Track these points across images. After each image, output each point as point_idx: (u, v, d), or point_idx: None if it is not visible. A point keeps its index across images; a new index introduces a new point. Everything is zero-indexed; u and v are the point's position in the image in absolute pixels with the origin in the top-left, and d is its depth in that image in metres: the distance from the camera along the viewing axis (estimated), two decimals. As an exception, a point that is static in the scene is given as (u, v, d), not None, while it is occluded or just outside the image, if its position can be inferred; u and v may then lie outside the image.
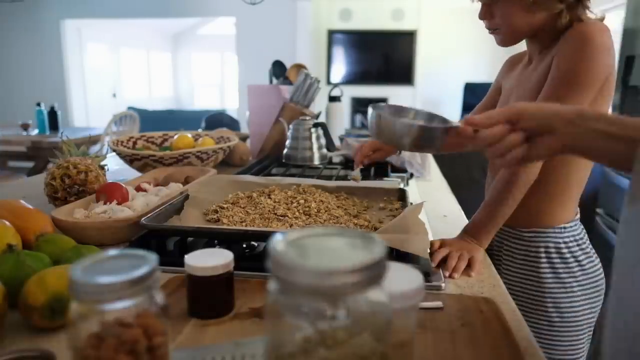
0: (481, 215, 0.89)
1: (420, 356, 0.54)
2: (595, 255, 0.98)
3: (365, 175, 1.38)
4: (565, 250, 0.94)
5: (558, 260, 0.94)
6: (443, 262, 0.81)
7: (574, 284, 0.93)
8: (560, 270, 0.94)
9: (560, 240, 0.94)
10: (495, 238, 1.04)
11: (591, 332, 0.97)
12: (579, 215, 0.99)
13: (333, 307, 0.31)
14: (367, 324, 0.33)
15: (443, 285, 0.73)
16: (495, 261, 1.04)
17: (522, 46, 1.00)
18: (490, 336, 0.59)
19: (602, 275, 0.97)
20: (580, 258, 0.94)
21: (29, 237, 0.78)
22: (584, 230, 0.99)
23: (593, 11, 0.86)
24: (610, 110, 0.89)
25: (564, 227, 0.95)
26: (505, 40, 0.92)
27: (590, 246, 0.98)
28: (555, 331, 0.94)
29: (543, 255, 0.95)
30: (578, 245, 0.95)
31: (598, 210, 2.21)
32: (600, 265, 0.97)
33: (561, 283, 0.93)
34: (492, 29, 0.91)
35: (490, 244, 1.06)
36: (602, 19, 0.85)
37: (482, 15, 0.90)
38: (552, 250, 0.94)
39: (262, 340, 0.51)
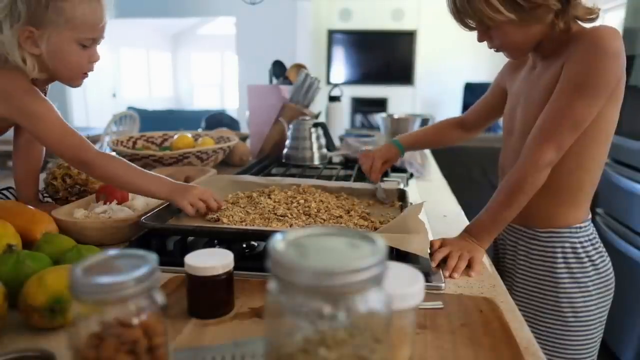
0: (485, 217, 0.89)
1: (420, 356, 0.54)
2: (606, 252, 0.98)
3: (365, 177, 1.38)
4: (580, 250, 0.94)
5: (574, 260, 0.94)
6: (443, 262, 0.81)
7: (589, 283, 0.93)
8: (575, 270, 0.93)
9: (576, 240, 0.94)
10: (510, 238, 1.04)
11: (602, 329, 0.97)
12: (590, 215, 0.99)
13: (333, 307, 0.31)
14: (367, 324, 0.33)
15: (443, 285, 0.73)
16: (509, 262, 1.04)
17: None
18: (490, 336, 0.59)
19: (612, 272, 0.97)
20: (594, 257, 0.94)
21: (30, 237, 0.78)
22: (595, 229, 0.99)
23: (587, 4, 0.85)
24: (618, 115, 0.89)
25: (580, 227, 0.95)
26: (512, 56, 0.94)
27: (602, 245, 0.98)
28: (569, 330, 0.94)
29: (560, 255, 0.94)
30: (592, 244, 0.95)
31: (598, 210, 2.21)
32: (610, 262, 0.98)
33: (576, 283, 0.93)
34: (496, 49, 0.91)
35: (504, 244, 1.06)
36: (596, 12, 0.84)
37: (480, 38, 0.91)
38: (569, 250, 0.94)
39: (262, 340, 0.51)
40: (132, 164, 0.91)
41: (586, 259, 0.94)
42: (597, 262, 0.95)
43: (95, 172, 0.91)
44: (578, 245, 0.94)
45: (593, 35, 0.81)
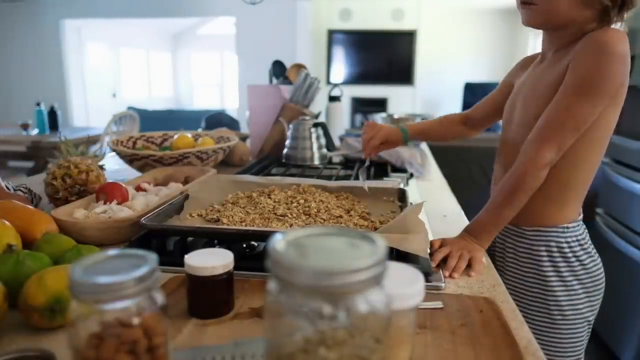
0: (484, 216, 0.89)
1: (420, 356, 0.54)
2: (596, 253, 0.98)
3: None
4: (567, 250, 0.94)
5: (560, 260, 0.94)
6: (443, 262, 0.81)
7: (575, 282, 0.94)
8: (563, 270, 0.94)
9: (563, 240, 0.94)
10: (498, 236, 1.04)
11: (590, 328, 0.97)
12: (582, 216, 0.98)
13: (333, 307, 0.31)
14: (367, 324, 0.33)
15: (443, 285, 0.73)
16: (498, 259, 1.04)
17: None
18: (490, 336, 0.59)
19: (603, 272, 0.97)
20: (582, 257, 0.94)
21: (30, 237, 0.78)
22: (586, 230, 0.99)
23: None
24: (617, 118, 0.88)
25: (567, 227, 0.95)
26: (533, 18, 0.88)
27: (592, 245, 0.98)
28: (556, 329, 0.94)
29: (545, 254, 0.95)
30: (580, 245, 0.95)
31: (598, 210, 2.21)
32: (600, 262, 0.97)
33: (563, 282, 0.93)
34: (526, 2, 0.86)
35: (493, 243, 1.06)
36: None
37: None
38: (554, 249, 0.94)
39: (262, 340, 0.51)
40: None
41: (574, 259, 0.94)
42: (586, 262, 0.95)
43: None
44: (565, 245, 0.94)
45: (600, 37, 0.80)
